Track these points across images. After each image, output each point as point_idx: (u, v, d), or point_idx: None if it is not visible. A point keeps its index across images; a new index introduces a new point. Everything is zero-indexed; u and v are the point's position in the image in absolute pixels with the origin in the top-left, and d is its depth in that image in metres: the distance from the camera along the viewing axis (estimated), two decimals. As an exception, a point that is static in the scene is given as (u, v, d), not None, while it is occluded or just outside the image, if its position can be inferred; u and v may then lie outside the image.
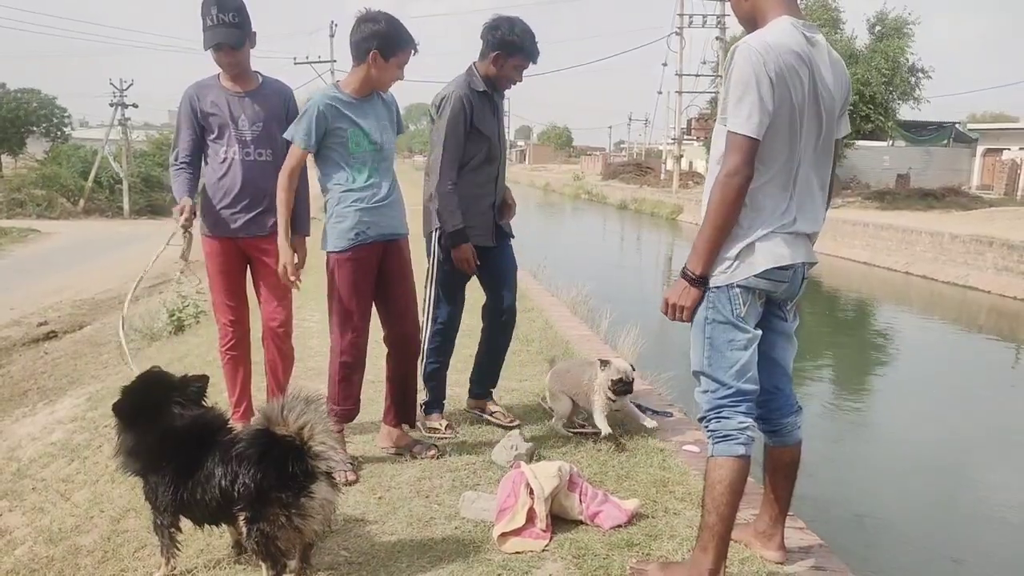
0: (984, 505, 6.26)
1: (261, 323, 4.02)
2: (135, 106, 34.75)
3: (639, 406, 4.54)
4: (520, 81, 3.96)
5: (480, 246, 3.98)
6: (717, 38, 38.87)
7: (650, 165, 60.04)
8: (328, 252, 3.57)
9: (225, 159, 3.76)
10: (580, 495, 3.01)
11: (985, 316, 15.91)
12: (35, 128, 39.52)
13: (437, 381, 4.23)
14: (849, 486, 6.34)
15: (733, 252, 2.46)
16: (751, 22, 2.58)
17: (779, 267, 2.48)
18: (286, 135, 3.53)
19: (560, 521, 3.00)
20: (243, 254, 3.91)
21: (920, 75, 30.95)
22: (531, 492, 2.91)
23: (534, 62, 3.94)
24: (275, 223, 3.58)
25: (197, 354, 6.85)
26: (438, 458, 3.73)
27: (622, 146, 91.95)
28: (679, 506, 3.22)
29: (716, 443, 2.53)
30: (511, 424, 4.26)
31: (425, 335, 4.02)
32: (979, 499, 6.36)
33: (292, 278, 3.56)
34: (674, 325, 2.68)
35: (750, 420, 2.52)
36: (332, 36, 42.79)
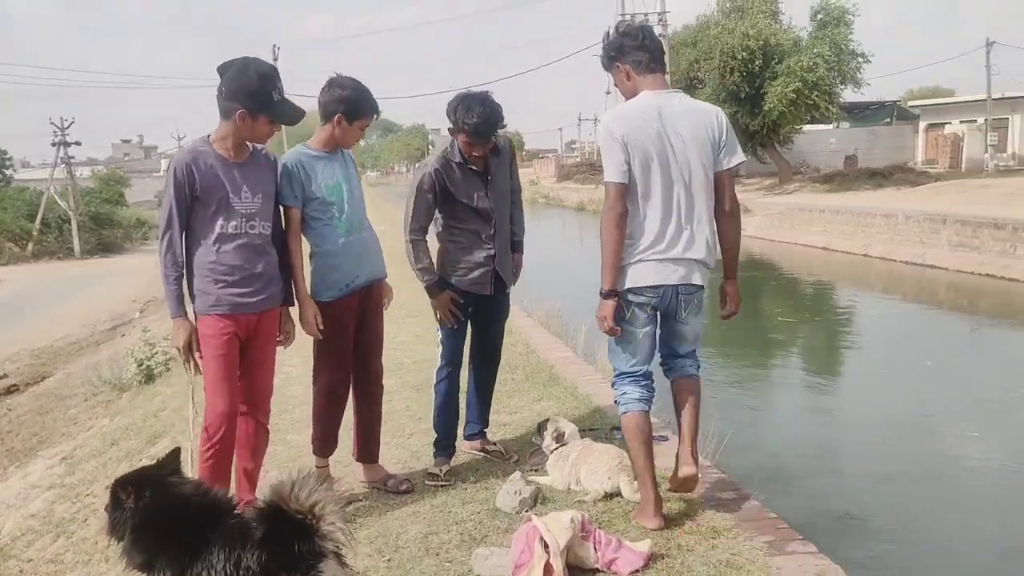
0: (949, 473, 6.58)
1: (244, 398, 3.56)
2: (78, 143, 34.10)
3: (618, 427, 4.54)
4: (478, 154, 3.96)
5: (477, 294, 4.14)
6: (660, 35, 39.21)
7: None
8: (318, 302, 3.79)
9: (226, 234, 3.36)
10: (594, 543, 2.98)
11: (944, 292, 16.27)
12: (-25, 173, 38.53)
13: (445, 420, 4.23)
14: (820, 465, 6.58)
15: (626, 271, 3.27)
16: (632, 96, 3.40)
17: (647, 286, 3.29)
18: (281, 202, 3.69)
19: (577, 571, 2.96)
20: (241, 331, 3.47)
21: (861, 60, 31.61)
22: (546, 546, 2.87)
23: (480, 140, 3.88)
24: (275, 296, 3.58)
25: (173, 408, 6.69)
26: (409, 491, 3.91)
27: (574, 146, 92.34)
28: (691, 541, 3.20)
29: (621, 406, 3.43)
30: (509, 460, 4.30)
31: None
32: (945, 468, 6.67)
33: (318, 328, 3.75)
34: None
35: (640, 390, 3.41)
36: (275, 60, 42.22)
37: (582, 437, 4.14)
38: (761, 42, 30.26)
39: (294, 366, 6.49)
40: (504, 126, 3.96)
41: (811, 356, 11.61)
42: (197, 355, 3.37)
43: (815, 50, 30.44)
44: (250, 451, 3.62)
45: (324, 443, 4.02)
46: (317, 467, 3.97)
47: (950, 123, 40.26)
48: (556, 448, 4.04)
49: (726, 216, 3.44)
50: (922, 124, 42.50)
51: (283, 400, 5.80)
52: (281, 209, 3.70)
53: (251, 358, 3.53)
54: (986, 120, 36.28)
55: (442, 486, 3.96)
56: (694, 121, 3.30)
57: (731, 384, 9.58)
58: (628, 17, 40.57)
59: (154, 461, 2.76)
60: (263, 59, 3.41)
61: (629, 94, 3.43)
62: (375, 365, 4.07)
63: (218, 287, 3.37)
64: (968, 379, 9.61)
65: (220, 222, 3.35)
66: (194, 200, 3.32)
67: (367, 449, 4.09)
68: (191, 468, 3.24)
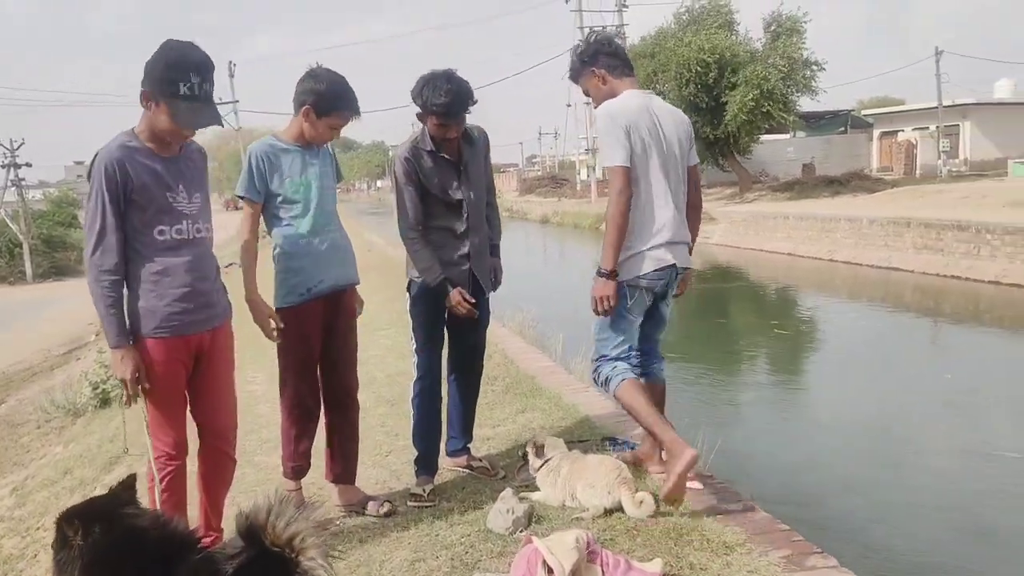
0: (912, 469, 6.70)
1: (202, 432, 3.20)
2: (28, 165, 33.19)
3: (610, 438, 4.33)
4: (452, 136, 3.66)
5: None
6: (619, 47, 39.34)
7: (565, 177, 60.62)
8: (279, 308, 3.53)
9: (172, 240, 2.92)
10: (602, 565, 2.71)
11: (911, 295, 16.34)
12: (-79, 198, 37.30)
13: (425, 436, 3.91)
14: (810, 469, 6.63)
15: (622, 260, 3.45)
16: (609, 99, 3.57)
17: (657, 269, 3.48)
18: (237, 192, 3.45)
19: (584, 597, 2.70)
20: (190, 355, 3.02)
21: (815, 68, 31.94)
22: (550, 571, 2.60)
23: (452, 120, 3.59)
24: (226, 309, 3.18)
25: (129, 431, 6.28)
26: (391, 515, 3.61)
27: (534, 160, 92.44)
28: (703, 558, 2.94)
29: (606, 386, 3.60)
30: (496, 476, 4.02)
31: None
32: (909, 467, 6.75)
33: (274, 331, 3.49)
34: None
35: (629, 365, 3.58)
36: (232, 76, 41.75)
37: (571, 449, 3.88)
38: (716, 55, 30.42)
39: (259, 384, 6.17)
40: (475, 102, 3.65)
41: (789, 362, 11.47)
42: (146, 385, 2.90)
43: (769, 60, 30.75)
44: (216, 486, 3.24)
45: (295, 464, 3.70)
46: (288, 491, 3.66)
47: (903, 131, 40.97)
48: (543, 463, 3.76)
49: (693, 208, 3.75)
50: (876, 132, 43.24)
51: (249, 419, 5.46)
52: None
53: (207, 380, 3.11)
54: (938, 127, 36.96)
55: (426, 507, 3.67)
56: (675, 119, 3.62)
57: (714, 393, 9.40)
58: (587, 30, 40.83)
59: (106, 491, 2.44)
60: (199, 47, 2.86)
61: (604, 97, 3.61)
62: (348, 378, 3.76)
63: (164, 304, 2.91)
64: (953, 382, 9.47)
65: (162, 227, 2.90)
66: (128, 204, 2.83)
67: (343, 469, 3.78)
68: (157, 498, 2.91)
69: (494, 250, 4.04)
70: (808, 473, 6.50)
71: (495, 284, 4.06)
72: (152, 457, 2.96)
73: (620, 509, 3.39)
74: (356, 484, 3.84)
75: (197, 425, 3.18)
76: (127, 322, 2.89)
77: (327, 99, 3.41)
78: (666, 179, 3.51)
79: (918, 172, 36.52)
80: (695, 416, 6.14)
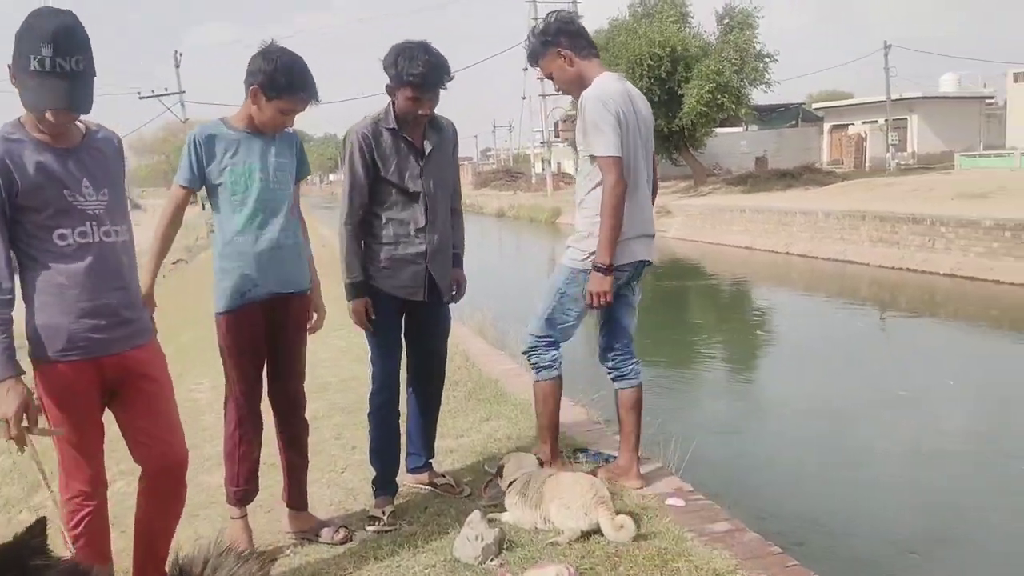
0: (869, 459, 6.70)
1: (149, 466, 2.70)
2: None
3: (582, 449, 4.10)
4: (424, 112, 3.35)
5: (408, 300, 3.52)
6: (573, 39, 39.15)
7: (520, 170, 60.50)
8: (218, 313, 3.19)
9: (74, 245, 2.46)
10: (586, 604, 2.45)
11: (867, 288, 16.40)
12: None
13: (383, 453, 3.60)
14: (745, 454, 6.73)
15: (592, 248, 3.36)
16: (577, 84, 3.46)
17: (631, 262, 3.44)
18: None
19: (566, 641, 2.43)
20: (105, 380, 2.57)
21: (767, 60, 32.12)
22: (529, 613, 2.33)
23: (427, 94, 3.30)
24: (148, 326, 2.74)
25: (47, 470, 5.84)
26: (348, 541, 3.32)
27: (489, 153, 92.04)
28: (693, 589, 2.70)
29: (539, 371, 3.62)
30: (461, 494, 3.73)
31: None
32: (864, 455, 6.76)
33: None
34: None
35: (558, 351, 3.61)
36: (178, 66, 40.52)
37: (541, 465, 3.60)
38: (668, 48, 30.41)
39: (203, 391, 5.78)
40: (452, 77, 3.37)
41: (755, 361, 11.30)
42: (44, 424, 2.41)
43: (723, 54, 30.86)
44: (169, 521, 2.83)
45: (238, 489, 3.30)
46: (232, 518, 3.31)
47: (853, 124, 41.61)
48: (511, 483, 3.46)
49: (653, 194, 3.74)
50: (826, 126, 43.88)
51: (192, 432, 5.03)
52: None
53: (141, 411, 2.67)
54: (887, 120, 37.56)
55: (386, 532, 3.36)
56: (645, 105, 3.54)
57: (682, 395, 9.17)
58: (541, 21, 40.53)
59: (11, 537, 2.08)
60: (67, 16, 2.36)
61: (570, 79, 3.50)
62: (293, 392, 3.39)
63: (70, 321, 2.47)
64: (934, 379, 9.32)
65: (61, 231, 2.46)
66: (16, 207, 2.41)
67: (292, 494, 3.44)
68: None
69: (456, 260, 3.73)
70: (785, 475, 6.30)
71: (458, 296, 3.78)
72: (63, 499, 2.55)
73: (598, 531, 3.12)
74: (309, 505, 3.51)
75: (141, 464, 2.73)
76: (27, 344, 2.46)
77: (278, 79, 3.02)
78: (641, 168, 3.48)
79: (867, 165, 37.09)
80: (665, 420, 5.90)
